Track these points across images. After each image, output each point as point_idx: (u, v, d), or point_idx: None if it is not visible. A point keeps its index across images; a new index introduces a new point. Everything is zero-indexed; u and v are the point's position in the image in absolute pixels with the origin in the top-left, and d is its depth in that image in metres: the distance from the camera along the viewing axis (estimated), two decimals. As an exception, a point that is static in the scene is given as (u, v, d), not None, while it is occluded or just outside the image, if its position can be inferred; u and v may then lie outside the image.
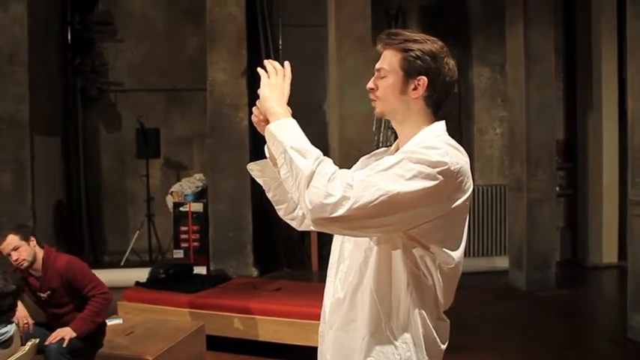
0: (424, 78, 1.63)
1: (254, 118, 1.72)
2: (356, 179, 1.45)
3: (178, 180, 8.24)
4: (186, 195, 7.66)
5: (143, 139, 7.96)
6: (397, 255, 1.57)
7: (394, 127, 1.76)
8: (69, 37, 8.25)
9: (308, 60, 7.80)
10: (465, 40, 8.08)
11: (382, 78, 1.67)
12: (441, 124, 1.69)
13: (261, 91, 1.65)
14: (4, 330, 2.23)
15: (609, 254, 7.65)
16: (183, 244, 7.63)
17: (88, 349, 3.55)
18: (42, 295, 3.55)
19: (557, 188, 7.29)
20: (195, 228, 7.54)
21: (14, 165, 7.21)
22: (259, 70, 1.69)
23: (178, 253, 7.65)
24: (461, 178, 1.53)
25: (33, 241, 3.50)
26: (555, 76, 6.94)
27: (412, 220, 1.51)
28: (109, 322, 4.22)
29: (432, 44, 1.65)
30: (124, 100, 8.63)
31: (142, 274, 5.54)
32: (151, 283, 5.22)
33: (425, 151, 1.50)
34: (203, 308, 4.70)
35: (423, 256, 1.57)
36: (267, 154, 1.80)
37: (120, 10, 8.54)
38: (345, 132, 6.61)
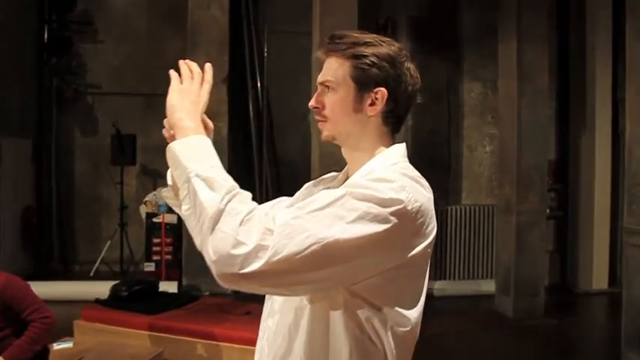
0: (382, 89, 1.30)
1: (165, 132, 1.36)
2: (279, 222, 1.12)
3: (154, 189, 7.89)
4: (160, 205, 7.31)
5: (118, 145, 7.62)
6: (336, 316, 1.23)
7: (344, 154, 1.41)
8: (45, 36, 7.90)
9: (293, 68, 7.51)
10: (456, 53, 7.82)
11: (328, 93, 1.34)
12: (400, 148, 1.36)
13: (169, 98, 1.30)
14: None
15: (600, 280, 7.36)
16: (155, 257, 7.30)
17: (25, 380, 3.20)
18: (-26, 318, 3.20)
19: (547, 210, 7.01)
20: (168, 240, 7.22)
21: (-22, 168, 6.86)
22: (171, 72, 1.35)
23: (149, 266, 7.31)
24: (421, 220, 1.21)
25: None
26: (547, 94, 6.69)
27: (355, 275, 1.19)
28: (58, 346, 3.90)
29: (388, 46, 1.32)
30: (101, 104, 8.28)
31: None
32: (112, 301, 4.88)
33: (374, 185, 1.17)
34: (164, 332, 4.36)
35: (369, 317, 1.23)
36: (168, 182, 1.45)
37: (100, 10, 8.20)
38: (325, 145, 6.29)
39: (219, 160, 1.21)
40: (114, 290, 5.02)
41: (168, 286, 5.98)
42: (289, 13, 8.06)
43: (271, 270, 1.09)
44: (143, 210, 7.44)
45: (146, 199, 7.49)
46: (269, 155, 7.84)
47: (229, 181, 1.17)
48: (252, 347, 4.01)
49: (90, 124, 8.29)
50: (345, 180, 1.35)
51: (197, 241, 1.15)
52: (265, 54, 8.06)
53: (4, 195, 7.07)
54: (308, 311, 1.26)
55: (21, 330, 3.21)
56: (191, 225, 1.16)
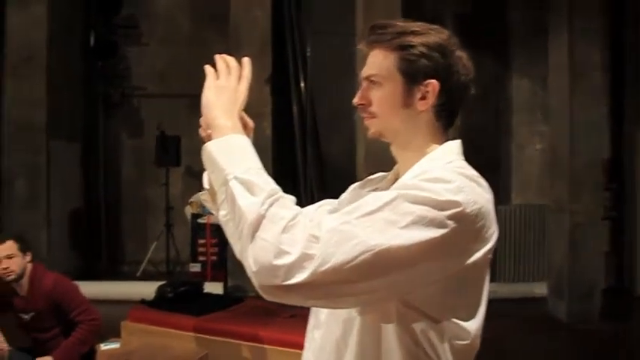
0: (433, 81, 1.20)
1: (201, 132, 1.27)
2: (325, 228, 1.02)
3: (200, 190, 7.92)
4: (204, 207, 7.31)
5: (163, 147, 7.68)
6: (388, 329, 1.13)
7: (393, 152, 1.31)
8: (92, 41, 8.02)
9: (336, 68, 7.43)
10: (503, 50, 7.61)
11: (374, 88, 1.23)
12: (455, 145, 1.25)
13: (205, 96, 1.21)
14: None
15: (659, 283, 7.07)
16: (201, 258, 7.33)
17: (72, 382, 3.21)
18: (25, 316, 3.25)
19: (602, 210, 6.75)
20: (213, 241, 7.22)
21: (29, 170, 7.01)
22: (206, 67, 1.26)
23: (195, 267, 7.34)
24: (481, 223, 1.10)
25: (28, 256, 3.22)
26: (601, 91, 6.44)
27: (409, 285, 1.09)
28: (105, 347, 3.89)
29: (437, 34, 1.22)
30: (147, 106, 8.37)
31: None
32: (158, 302, 4.88)
33: (429, 186, 1.07)
34: (209, 333, 4.32)
35: (425, 330, 1.12)
36: (205, 185, 1.37)
37: (145, 13, 8.30)
38: (372, 145, 6.19)
39: (259, 161, 1.12)
40: (160, 291, 5.02)
41: (214, 287, 5.96)
42: (332, 13, 7.98)
43: (318, 281, 0.99)
44: (188, 211, 7.47)
45: (191, 200, 7.51)
46: (313, 156, 7.77)
47: (270, 184, 1.08)
48: (296, 351, 3.93)
49: (135, 126, 8.39)
50: (395, 181, 1.25)
51: (236, 249, 1.06)
52: (308, 54, 8.00)
53: (54, 197, 7.20)
54: (357, 324, 1.16)
55: (69, 329, 3.22)
56: (230, 232, 1.08)
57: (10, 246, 3.20)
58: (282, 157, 7.44)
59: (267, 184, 1.07)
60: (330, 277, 0.99)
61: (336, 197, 1.46)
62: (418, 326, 1.12)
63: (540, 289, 6.73)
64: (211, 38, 8.11)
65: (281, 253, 0.99)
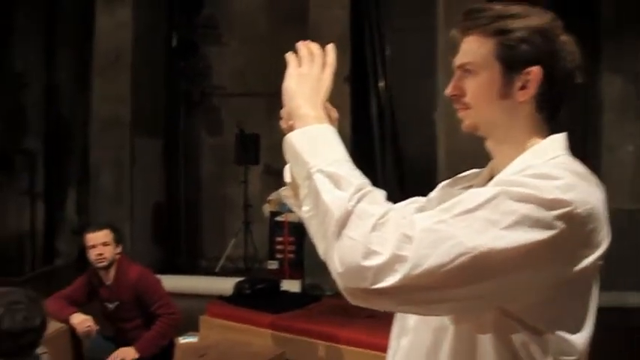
0: (535, 69, 1.07)
1: (283, 124, 1.20)
2: (420, 227, 0.93)
3: (278, 189, 7.96)
4: (283, 204, 7.34)
5: (242, 145, 7.76)
6: (485, 341, 1.02)
7: (489, 147, 1.18)
8: (174, 41, 8.21)
9: (416, 65, 7.28)
10: (593, 44, 7.22)
11: (469, 77, 1.12)
12: (560, 139, 1.12)
13: (286, 84, 1.13)
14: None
15: None
16: (279, 256, 7.35)
17: (152, 373, 3.26)
18: (109, 305, 3.32)
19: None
20: (291, 239, 7.23)
21: (114, 165, 7.24)
22: (288, 55, 1.18)
23: (273, 265, 7.38)
24: (592, 226, 0.98)
25: (119, 248, 3.30)
26: None
27: (509, 293, 0.97)
28: (183, 340, 3.96)
29: (538, 17, 1.09)
30: (226, 105, 8.49)
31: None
32: (236, 299, 4.93)
33: (535, 183, 0.96)
34: (286, 331, 4.32)
35: (526, 342, 1.00)
36: (286, 179, 1.28)
37: (224, 13, 8.42)
38: (454, 144, 6.02)
39: (346, 152, 1.04)
40: (238, 287, 5.07)
41: (291, 285, 5.96)
42: (411, 9, 7.83)
43: (410, 285, 0.90)
44: (266, 209, 7.51)
45: (269, 198, 7.55)
46: (392, 156, 7.65)
47: (358, 178, 0.98)
48: (374, 352, 3.88)
49: (215, 124, 8.53)
50: (490, 178, 1.13)
51: (320, 248, 0.98)
52: (387, 53, 7.89)
53: (137, 192, 7.41)
54: (450, 334, 1.06)
55: (150, 322, 3.27)
56: (313, 229, 0.99)
57: (106, 234, 3.31)
58: (360, 157, 7.33)
59: (355, 177, 0.98)
60: (424, 281, 0.90)
61: (417, 196, 1.36)
62: (518, 338, 1.00)
63: (635, 299, 6.36)
64: (290, 37, 8.09)
65: (370, 253, 0.90)
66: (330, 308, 4.82)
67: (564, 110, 1.15)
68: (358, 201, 0.94)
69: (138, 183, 7.45)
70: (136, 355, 3.11)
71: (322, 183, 0.97)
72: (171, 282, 6.58)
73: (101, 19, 7.27)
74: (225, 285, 5.54)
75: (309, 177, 0.99)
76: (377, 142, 7.57)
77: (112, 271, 3.31)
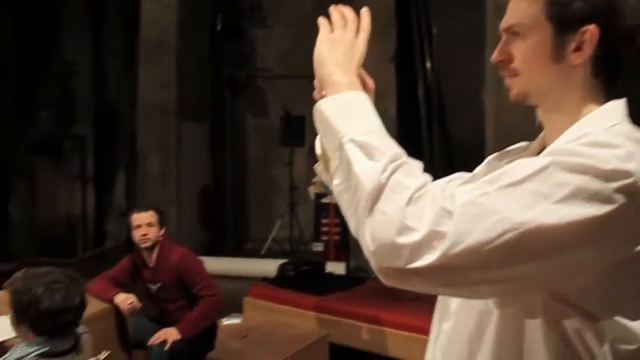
0: (591, 28, 0.96)
1: (315, 94, 1.10)
2: (461, 200, 0.84)
3: (324, 170, 7.92)
4: (328, 186, 7.30)
5: (288, 127, 7.74)
6: (533, 326, 0.93)
7: (539, 117, 1.08)
8: (219, 25, 8.21)
9: (463, 44, 7.08)
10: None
11: (517, 41, 1.02)
12: (619, 106, 1.01)
13: (318, 50, 1.05)
14: (60, 349, 1.93)
15: None
16: (324, 237, 7.32)
17: (194, 353, 3.27)
18: (152, 287, 3.35)
19: None
20: (336, 221, 7.17)
21: (161, 150, 7.33)
22: (320, 19, 1.09)
23: (318, 247, 7.36)
24: None
25: (163, 231, 3.32)
26: None
27: (561, 273, 0.88)
28: (227, 322, 3.97)
29: None
30: (271, 87, 8.48)
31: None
32: (280, 280, 4.92)
33: (591, 152, 0.85)
34: (330, 313, 4.28)
35: (579, 329, 0.90)
36: (317, 151, 1.20)
37: (269, -5, 8.38)
38: (502, 122, 5.83)
39: (380, 121, 0.96)
40: (282, 269, 5.06)
41: (336, 267, 5.93)
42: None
43: (449, 265, 0.82)
44: (312, 191, 7.48)
45: (315, 179, 7.51)
46: (439, 136, 7.50)
47: (393, 148, 0.90)
48: (418, 335, 3.79)
49: (261, 107, 8.53)
50: (541, 151, 1.01)
51: (351, 225, 0.90)
52: (434, 30, 7.70)
53: (183, 176, 7.49)
54: (495, 318, 0.97)
55: (193, 303, 3.28)
56: (344, 205, 0.92)
57: (151, 215, 3.36)
58: (406, 138, 7.23)
59: (389, 147, 0.90)
60: (464, 260, 0.82)
61: None
62: (570, 324, 0.91)
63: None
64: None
65: (405, 229, 0.82)
66: (374, 290, 4.76)
67: (623, 74, 1.04)
68: (392, 172, 0.86)
69: (184, 167, 7.52)
70: (179, 336, 3.13)
71: (354, 153, 0.89)
72: (217, 264, 6.64)
73: (146, 5, 7.33)
74: (270, 267, 5.54)
75: (340, 147, 0.91)
76: (424, 123, 7.42)
77: (155, 253, 3.33)
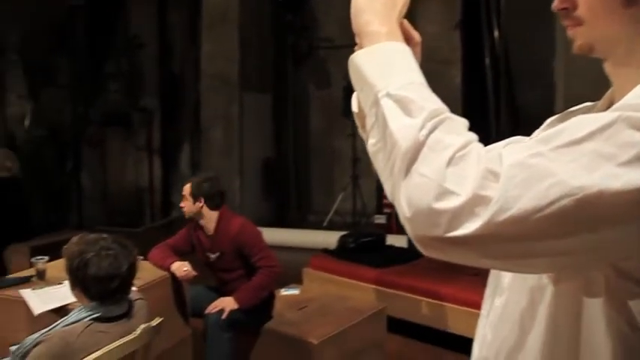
0: None
1: (357, 49, 0.98)
2: (509, 161, 0.73)
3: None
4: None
5: (350, 98, 7.60)
6: (593, 305, 0.83)
7: (607, 71, 0.95)
8: (281, -6, 8.15)
9: (533, 12, 6.76)
10: None
11: None
12: None
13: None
14: (112, 314, 1.95)
15: None
16: (386, 210, 7.23)
17: (252, 322, 3.29)
18: (211, 256, 3.37)
19: None
20: (398, 193, 7.07)
21: (224, 121, 7.39)
22: None
23: (380, 219, 7.28)
24: None
25: (200, 203, 3.32)
26: None
27: (625, 246, 0.76)
28: (285, 292, 3.97)
29: None
30: (334, 57, 8.37)
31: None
32: (339, 252, 4.89)
33: None
34: (388, 286, 4.22)
35: None
36: (354, 109, 1.08)
37: (332, -37, 8.22)
38: (572, 89, 5.56)
39: (421, 75, 0.85)
40: (342, 241, 5.03)
41: (398, 240, 5.84)
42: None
43: (493, 234, 0.72)
44: (374, 162, 7.40)
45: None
46: (507, 107, 7.24)
47: (434, 102, 0.80)
48: (478, 311, 3.69)
49: (323, 77, 8.45)
50: (607, 108, 0.87)
51: (387, 188, 0.82)
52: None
53: (246, 147, 7.54)
54: (549, 295, 0.87)
55: (251, 273, 3.29)
56: (380, 166, 0.83)
57: (186, 188, 3.38)
58: (472, 108, 7.02)
59: (429, 101, 0.80)
60: (512, 229, 0.72)
61: None
62: (636, 305, 0.80)
63: None
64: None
65: (445, 193, 0.73)
66: (435, 264, 4.65)
67: None
68: (432, 130, 0.76)
69: (247, 138, 7.57)
70: (236, 306, 3.13)
71: (390, 109, 0.80)
72: (279, 235, 6.70)
73: (209, -23, 7.35)
74: (332, 239, 5.52)
75: (375, 103, 0.82)
76: (490, 93, 7.17)
77: (212, 223, 3.34)
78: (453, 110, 0.82)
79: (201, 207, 3.31)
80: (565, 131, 0.75)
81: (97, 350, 1.83)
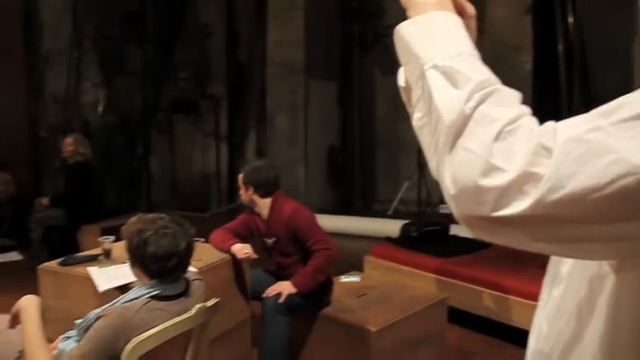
0: None
1: None
2: (563, 136, 0.69)
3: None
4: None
5: (416, 85, 7.53)
6: None
7: None
8: (347, -19, 8.10)
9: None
10: None
11: None
12: None
13: None
14: (170, 293, 1.99)
15: None
16: (450, 202, 7.10)
17: (309, 307, 3.29)
18: (268, 240, 3.39)
19: None
20: (465, 183, 6.93)
21: (289, 108, 7.42)
22: None
23: (445, 209, 7.13)
24: None
25: (250, 191, 3.35)
26: None
27: None
28: (345, 279, 3.95)
29: None
30: (400, 44, 8.27)
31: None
32: (402, 240, 4.84)
33: None
34: (451, 276, 4.14)
35: None
36: (400, 83, 1.03)
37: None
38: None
39: (472, 46, 0.81)
40: (404, 230, 4.97)
41: (462, 230, 5.72)
42: None
43: (544, 215, 0.67)
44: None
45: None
46: (581, 95, 6.95)
47: (483, 73, 0.75)
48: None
49: (389, 64, 8.32)
50: None
51: (432, 165, 0.78)
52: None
53: (311, 135, 7.55)
54: (609, 285, 0.82)
55: (307, 258, 3.29)
56: (425, 141, 0.79)
57: (240, 177, 3.44)
58: (543, 97, 6.79)
59: (477, 72, 0.75)
60: (564, 210, 0.67)
61: None
62: None
63: None
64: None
65: (491, 169, 0.69)
66: (500, 255, 4.54)
67: None
68: (479, 102, 0.72)
69: (312, 126, 7.59)
70: (294, 290, 3.14)
71: (436, 81, 0.76)
72: (342, 223, 6.69)
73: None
74: (395, 227, 5.47)
75: (422, 76, 0.78)
76: (563, 80, 6.91)
77: (267, 209, 3.37)
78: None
79: (252, 195, 3.35)
80: (627, 105, 0.69)
81: (153, 327, 1.87)
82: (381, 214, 7.69)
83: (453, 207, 0.74)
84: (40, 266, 2.99)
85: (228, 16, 8.44)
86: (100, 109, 7.72)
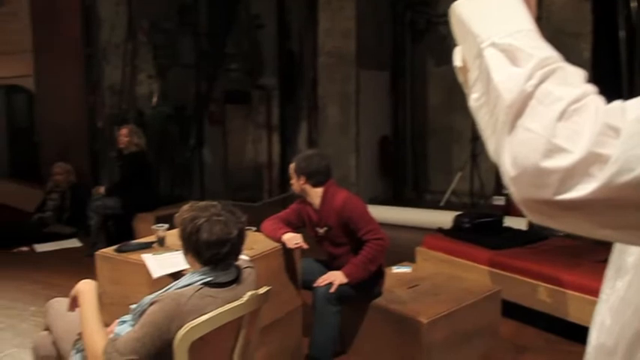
0: None
1: None
2: (632, 115, 0.65)
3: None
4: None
5: (469, 74, 7.39)
6: None
7: None
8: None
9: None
10: None
11: None
12: None
13: None
14: (222, 280, 2.00)
15: None
16: (505, 191, 6.95)
17: (360, 297, 3.28)
18: (319, 230, 3.39)
19: None
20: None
21: (341, 98, 7.40)
22: None
23: (499, 200, 7.02)
24: None
25: (302, 180, 3.35)
26: None
27: None
28: (397, 269, 3.92)
29: None
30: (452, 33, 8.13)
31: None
32: (454, 232, 4.76)
33: None
34: (504, 269, 4.05)
35: None
36: (456, 62, 0.97)
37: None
38: None
39: (532, 22, 0.77)
40: (456, 221, 4.89)
41: (516, 223, 5.60)
42: None
43: (611, 199, 0.64)
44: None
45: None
46: (643, 84, 6.70)
47: (545, 50, 0.71)
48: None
49: (442, 53, 8.23)
50: None
51: (490, 146, 0.75)
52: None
53: (363, 125, 7.51)
54: None
55: (358, 248, 3.27)
56: (482, 122, 0.75)
57: (291, 167, 3.44)
58: (602, 85, 6.54)
59: (539, 49, 0.71)
60: (632, 194, 0.64)
61: None
62: None
63: None
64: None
65: (555, 150, 0.65)
66: (555, 248, 4.42)
67: None
68: (541, 80, 0.69)
69: (364, 115, 7.55)
70: (345, 280, 3.14)
71: (494, 59, 0.73)
72: (394, 214, 6.65)
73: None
74: (448, 219, 5.39)
75: (479, 54, 0.75)
76: (624, 69, 6.65)
77: (318, 198, 3.36)
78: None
79: (303, 184, 3.34)
80: None
81: (205, 313, 1.89)
82: (433, 206, 7.60)
83: (512, 190, 0.70)
84: (98, 252, 3.06)
85: (279, 6, 8.46)
86: (155, 100, 7.87)
